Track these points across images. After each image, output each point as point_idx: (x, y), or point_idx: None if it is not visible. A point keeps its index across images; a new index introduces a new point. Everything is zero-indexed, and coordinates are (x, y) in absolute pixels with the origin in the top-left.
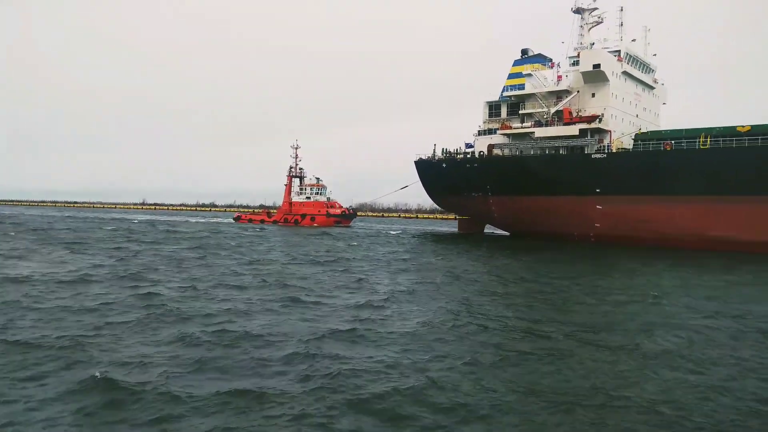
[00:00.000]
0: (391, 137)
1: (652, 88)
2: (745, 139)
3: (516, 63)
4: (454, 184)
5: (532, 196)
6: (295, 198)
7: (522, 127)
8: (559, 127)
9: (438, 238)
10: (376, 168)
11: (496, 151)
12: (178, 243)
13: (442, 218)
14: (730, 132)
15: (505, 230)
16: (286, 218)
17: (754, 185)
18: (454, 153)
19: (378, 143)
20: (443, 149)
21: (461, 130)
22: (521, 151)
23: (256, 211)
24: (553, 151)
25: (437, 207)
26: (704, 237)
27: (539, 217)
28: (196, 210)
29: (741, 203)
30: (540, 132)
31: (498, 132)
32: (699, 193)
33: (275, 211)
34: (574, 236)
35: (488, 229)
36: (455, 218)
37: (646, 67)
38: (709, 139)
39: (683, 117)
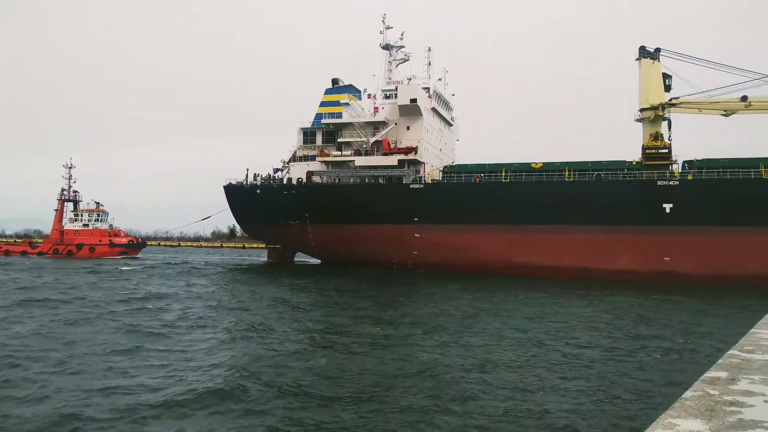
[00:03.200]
0: (200, 161)
1: (451, 125)
2: (533, 175)
3: (328, 92)
4: (269, 211)
5: (352, 224)
6: (68, 225)
7: (342, 156)
8: (379, 156)
9: (248, 268)
10: (181, 194)
11: (315, 179)
12: None
13: (249, 247)
14: (526, 168)
15: (324, 259)
16: (57, 248)
17: (548, 216)
18: (268, 179)
19: (183, 167)
20: (255, 174)
21: (274, 157)
22: (340, 179)
23: (16, 241)
24: (373, 180)
25: (245, 235)
26: (511, 263)
27: (359, 246)
28: None
29: (540, 233)
30: (361, 161)
31: (317, 159)
32: (505, 223)
33: (40, 241)
34: (394, 264)
35: (299, 257)
36: (265, 247)
37: (447, 105)
38: (509, 174)
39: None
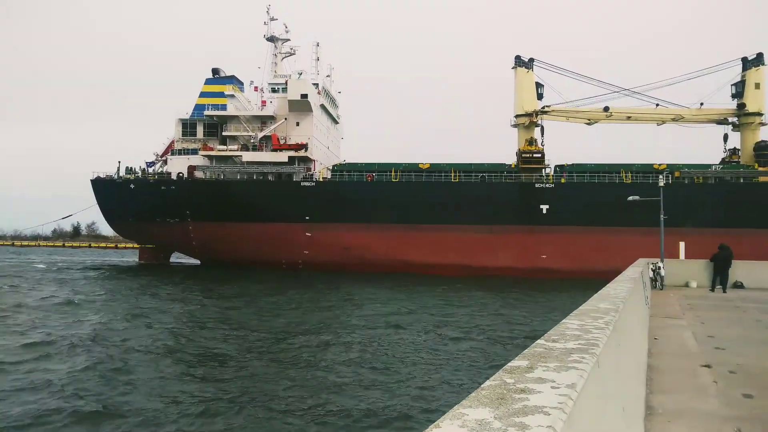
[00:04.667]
0: (56, 149)
1: (337, 122)
2: (423, 175)
3: (208, 81)
4: (145, 208)
5: (238, 222)
6: None
7: (228, 150)
8: (268, 152)
9: (120, 270)
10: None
11: (198, 174)
12: None
13: (111, 247)
14: (414, 168)
15: (205, 260)
16: None
17: (436, 215)
18: (144, 173)
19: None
20: (128, 168)
21: (145, 150)
22: (225, 175)
23: None
24: (261, 177)
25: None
26: (400, 261)
27: (246, 245)
28: None
29: (429, 231)
30: (249, 156)
31: (200, 153)
32: (395, 222)
33: None
34: (283, 264)
35: (176, 258)
36: (135, 247)
37: (334, 103)
38: (398, 174)
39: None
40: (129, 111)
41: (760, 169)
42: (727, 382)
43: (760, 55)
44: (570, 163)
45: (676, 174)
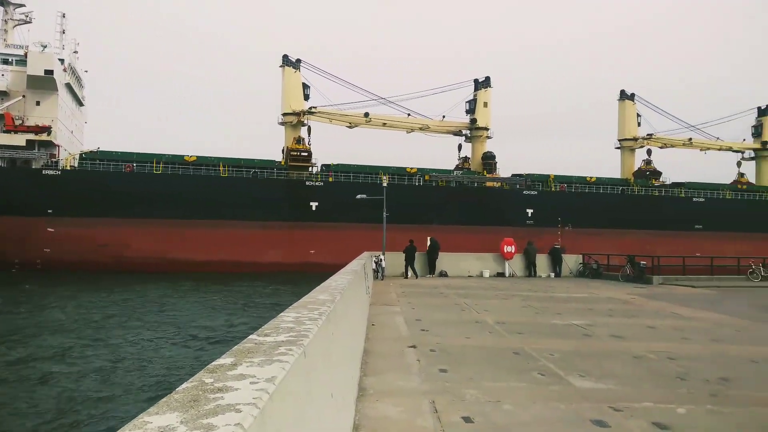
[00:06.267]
0: None
1: (82, 104)
2: (190, 168)
3: None
4: None
5: None
6: None
7: None
8: (1, 134)
9: None
10: None
11: None
12: None
13: None
14: (179, 160)
15: None
16: None
17: (205, 211)
18: None
19: None
20: None
21: None
22: None
23: None
24: None
25: None
26: (165, 259)
27: None
28: None
29: (196, 227)
30: None
31: None
32: (160, 217)
33: None
34: (16, 265)
35: None
36: None
37: (80, 83)
38: (161, 165)
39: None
40: None
41: (488, 175)
42: (427, 360)
43: (488, 78)
44: (336, 162)
45: (426, 177)
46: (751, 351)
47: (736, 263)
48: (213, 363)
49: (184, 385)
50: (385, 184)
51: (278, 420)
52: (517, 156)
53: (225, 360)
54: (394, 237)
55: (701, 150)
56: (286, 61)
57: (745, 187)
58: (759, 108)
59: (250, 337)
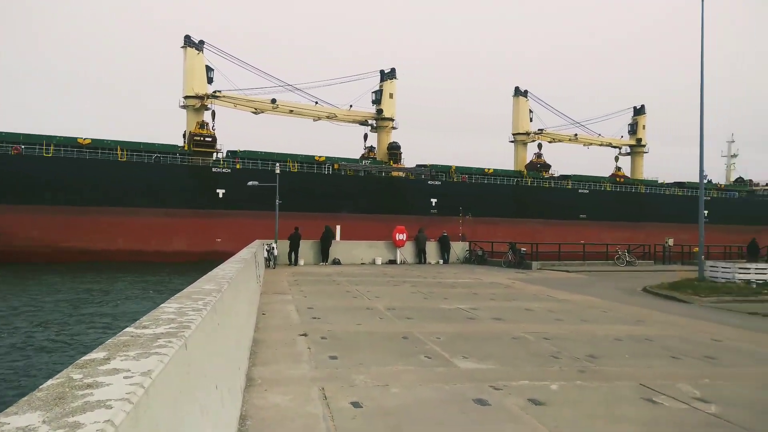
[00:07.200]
0: None
1: None
2: (85, 152)
3: None
4: None
5: None
6: None
7: None
8: None
9: None
10: None
11: None
12: None
13: None
14: (72, 142)
15: None
16: None
17: (104, 197)
18: None
19: None
20: None
21: None
22: None
23: None
24: None
25: None
26: (58, 248)
27: None
28: None
29: (94, 214)
30: None
31: None
32: (53, 204)
33: None
34: None
35: None
36: None
37: None
38: (52, 148)
39: None
40: None
41: (393, 165)
42: (318, 348)
43: (393, 70)
44: (242, 149)
45: (335, 166)
46: (616, 330)
47: (605, 249)
48: (83, 358)
49: (48, 382)
50: (277, 171)
51: (155, 415)
52: (420, 147)
53: (97, 354)
54: (304, 225)
55: (584, 145)
56: (189, 41)
57: (622, 180)
58: (635, 107)
59: (126, 329)
